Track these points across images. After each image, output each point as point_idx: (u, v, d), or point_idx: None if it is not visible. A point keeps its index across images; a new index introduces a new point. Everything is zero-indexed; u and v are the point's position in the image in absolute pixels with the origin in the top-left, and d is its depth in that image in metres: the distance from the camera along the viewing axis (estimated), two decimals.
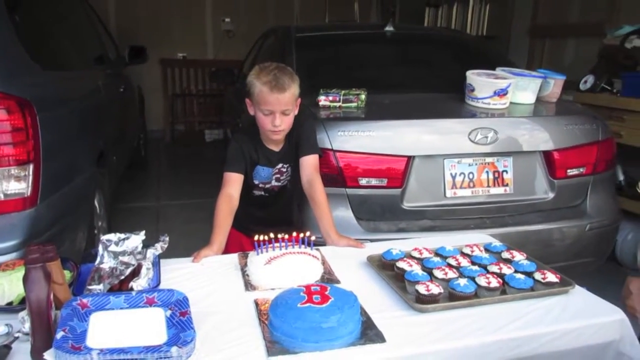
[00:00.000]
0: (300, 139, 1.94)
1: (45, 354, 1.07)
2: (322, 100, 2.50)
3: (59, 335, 1.07)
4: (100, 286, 1.34)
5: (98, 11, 4.43)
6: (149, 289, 1.32)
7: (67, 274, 1.36)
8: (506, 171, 2.40)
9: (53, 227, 2.09)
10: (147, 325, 1.16)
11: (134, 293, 1.27)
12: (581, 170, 2.47)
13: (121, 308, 1.22)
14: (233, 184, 1.86)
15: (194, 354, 1.10)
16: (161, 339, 1.12)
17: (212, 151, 6.55)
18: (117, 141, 3.69)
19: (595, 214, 2.50)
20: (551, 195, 2.45)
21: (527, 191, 2.44)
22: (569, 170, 2.45)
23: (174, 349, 1.06)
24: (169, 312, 1.21)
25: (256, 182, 1.99)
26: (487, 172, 2.38)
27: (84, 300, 1.21)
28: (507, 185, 2.40)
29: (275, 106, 1.79)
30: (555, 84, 2.76)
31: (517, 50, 5.43)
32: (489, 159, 2.38)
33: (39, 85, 2.16)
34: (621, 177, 3.26)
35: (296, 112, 1.88)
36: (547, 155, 2.43)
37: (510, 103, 2.60)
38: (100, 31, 4.18)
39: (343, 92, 2.51)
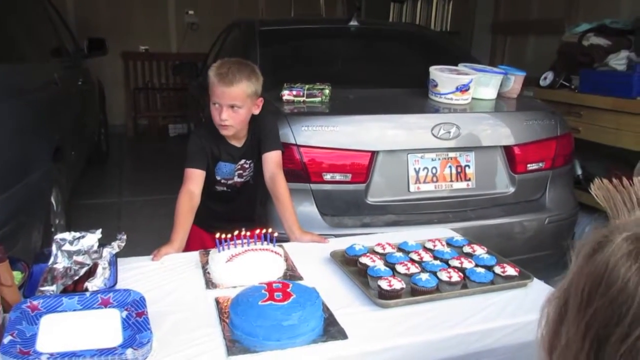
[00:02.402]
0: (263, 134, 1.92)
1: None
2: (286, 95, 2.47)
3: (7, 339, 1.02)
4: (53, 287, 1.29)
5: (55, 2, 4.27)
6: (104, 290, 1.28)
7: (18, 275, 1.30)
8: (468, 166, 2.43)
9: (5, 226, 2.01)
10: (102, 327, 1.12)
11: (88, 294, 1.22)
12: (540, 164, 2.52)
13: (74, 310, 1.18)
14: (194, 180, 1.82)
15: (151, 355, 1.07)
16: (116, 341, 1.08)
17: (176, 146, 6.41)
18: (75, 135, 3.58)
19: (554, 208, 2.55)
20: (512, 189, 2.49)
21: (488, 186, 2.47)
22: (528, 165, 2.50)
23: (129, 351, 1.02)
24: (124, 313, 1.17)
25: (218, 178, 1.96)
26: (450, 166, 2.40)
27: (34, 303, 1.16)
28: (469, 180, 2.43)
29: (222, 99, 1.76)
30: (515, 80, 2.80)
31: (480, 46, 5.52)
32: (451, 154, 2.40)
33: None
34: (579, 172, 3.35)
35: (256, 111, 1.86)
36: (508, 150, 2.47)
37: (472, 99, 2.63)
38: (57, 22, 4.04)
39: (307, 86, 2.49)
